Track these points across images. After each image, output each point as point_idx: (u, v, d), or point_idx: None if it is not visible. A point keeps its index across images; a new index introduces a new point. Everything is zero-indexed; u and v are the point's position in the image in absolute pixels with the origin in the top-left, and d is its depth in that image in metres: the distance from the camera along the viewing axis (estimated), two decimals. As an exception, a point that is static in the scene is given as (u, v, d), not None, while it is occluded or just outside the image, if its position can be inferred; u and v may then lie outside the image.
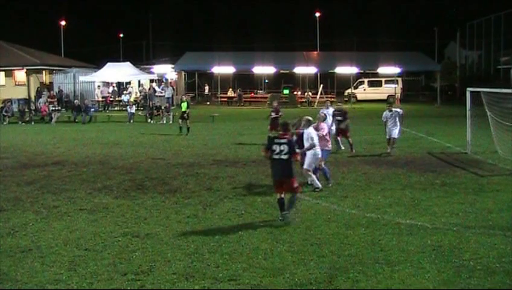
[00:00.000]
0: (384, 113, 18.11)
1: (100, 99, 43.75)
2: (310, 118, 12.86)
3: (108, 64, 44.36)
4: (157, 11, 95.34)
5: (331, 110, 19.44)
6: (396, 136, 17.85)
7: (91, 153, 19.25)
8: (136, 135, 25.65)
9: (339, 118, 18.83)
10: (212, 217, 10.19)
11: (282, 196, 9.70)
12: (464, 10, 69.87)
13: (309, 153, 12.31)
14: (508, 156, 15.94)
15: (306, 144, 12.28)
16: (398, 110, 18.20)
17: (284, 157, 9.51)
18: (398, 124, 17.82)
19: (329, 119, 18.85)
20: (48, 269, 7.50)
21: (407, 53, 54.77)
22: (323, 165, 12.96)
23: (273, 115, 21.21)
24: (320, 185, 12.35)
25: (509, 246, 8.27)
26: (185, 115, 25.28)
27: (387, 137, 17.91)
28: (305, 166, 12.35)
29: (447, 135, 23.31)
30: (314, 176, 12.42)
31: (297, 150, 10.25)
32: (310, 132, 12.38)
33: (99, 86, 44.51)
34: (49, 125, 32.22)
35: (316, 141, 12.30)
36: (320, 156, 12.53)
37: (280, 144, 9.58)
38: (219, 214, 10.46)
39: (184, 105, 25.95)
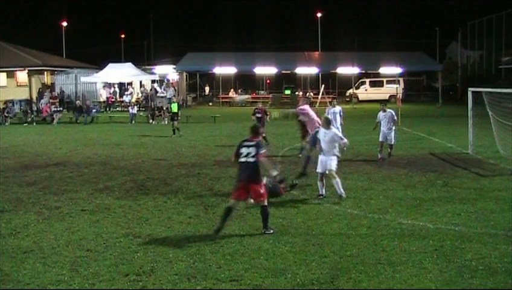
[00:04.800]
0: (378, 113, 17.45)
1: (104, 99, 43.79)
2: (329, 117, 12.72)
3: (110, 65, 44.43)
4: (159, 11, 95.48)
5: (337, 108, 19.39)
6: (393, 142, 17.04)
7: (93, 153, 19.27)
8: (138, 135, 25.67)
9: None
10: (214, 218, 10.17)
11: (234, 205, 9.29)
12: (465, 10, 69.87)
13: (332, 156, 11.52)
14: (510, 156, 15.92)
15: (326, 145, 11.48)
16: (392, 111, 17.37)
17: (251, 160, 9.07)
18: (393, 127, 17.03)
19: (338, 118, 18.83)
20: (49, 270, 7.50)
21: (408, 53, 54.79)
22: (311, 153, 12.86)
23: (258, 115, 20.61)
24: (343, 192, 11.45)
25: (511, 246, 8.26)
26: (175, 116, 25.66)
27: (381, 140, 17.09)
28: (328, 167, 11.45)
29: (449, 135, 23.30)
30: (339, 180, 11.49)
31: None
32: (336, 133, 11.77)
33: (104, 86, 44.60)
34: (51, 126, 32.27)
35: (346, 139, 11.72)
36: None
37: (248, 146, 9.20)
38: (221, 214, 10.39)
39: (174, 106, 26.23)
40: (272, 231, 9.13)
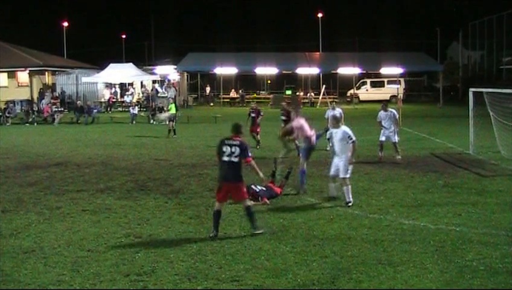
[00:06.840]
0: (379, 113, 17.24)
1: (106, 99, 43.82)
2: (337, 115, 12.33)
3: (111, 65, 44.47)
4: (160, 12, 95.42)
5: (337, 111, 19.27)
6: (397, 140, 16.82)
7: (94, 154, 19.27)
8: (139, 136, 25.69)
9: (284, 118, 17.73)
10: (215, 218, 10.18)
11: (221, 208, 9.10)
12: (466, 10, 69.80)
13: (344, 158, 11.11)
14: (511, 157, 15.91)
15: (338, 144, 11.16)
16: (394, 111, 17.15)
17: (235, 159, 8.91)
18: (394, 126, 16.76)
19: None
20: (50, 270, 7.51)
21: (409, 53, 54.76)
22: (304, 167, 12.38)
23: (253, 115, 20.59)
24: (351, 199, 11.05)
25: (512, 247, 8.26)
26: (173, 117, 25.86)
27: (382, 139, 16.88)
28: (341, 175, 11.06)
29: (450, 136, 23.29)
30: (350, 187, 11.09)
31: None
32: (346, 130, 11.17)
33: (106, 86, 44.65)
34: (52, 127, 32.28)
35: (355, 138, 11.19)
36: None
37: (231, 145, 8.95)
38: (221, 214, 10.43)
39: (172, 107, 26.45)
40: (261, 231, 9.01)
